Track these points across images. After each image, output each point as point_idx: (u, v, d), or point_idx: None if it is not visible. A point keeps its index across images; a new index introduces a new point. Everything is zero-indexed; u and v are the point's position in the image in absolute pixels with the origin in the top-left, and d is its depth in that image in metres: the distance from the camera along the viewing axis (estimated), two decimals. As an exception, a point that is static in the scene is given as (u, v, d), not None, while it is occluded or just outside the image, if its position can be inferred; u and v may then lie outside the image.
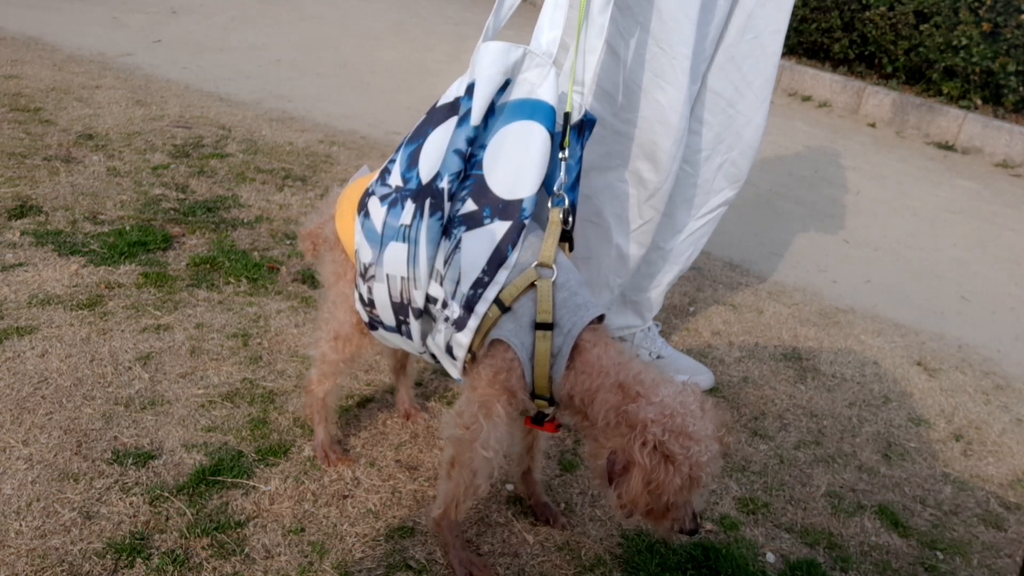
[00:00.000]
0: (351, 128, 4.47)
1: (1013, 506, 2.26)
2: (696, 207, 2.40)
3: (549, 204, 1.61)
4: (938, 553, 2.02)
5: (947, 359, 3.08)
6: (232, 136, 3.97)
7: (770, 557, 1.90)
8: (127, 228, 2.86)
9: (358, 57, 6.01)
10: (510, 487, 1.95)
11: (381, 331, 1.74)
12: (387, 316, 1.68)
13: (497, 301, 1.52)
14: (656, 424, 1.35)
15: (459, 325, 1.55)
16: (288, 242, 2.99)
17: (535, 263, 1.53)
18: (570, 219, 1.61)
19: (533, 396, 1.55)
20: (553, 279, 1.51)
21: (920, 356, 3.07)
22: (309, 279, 2.75)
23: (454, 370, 1.64)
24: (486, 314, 1.52)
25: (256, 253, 2.86)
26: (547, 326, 1.49)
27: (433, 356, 1.70)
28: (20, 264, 2.54)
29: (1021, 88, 6.13)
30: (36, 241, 2.68)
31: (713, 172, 2.35)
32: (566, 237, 1.61)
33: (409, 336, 1.67)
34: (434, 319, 1.62)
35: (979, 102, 6.37)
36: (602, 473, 1.42)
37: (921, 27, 6.44)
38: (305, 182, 3.58)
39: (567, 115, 1.63)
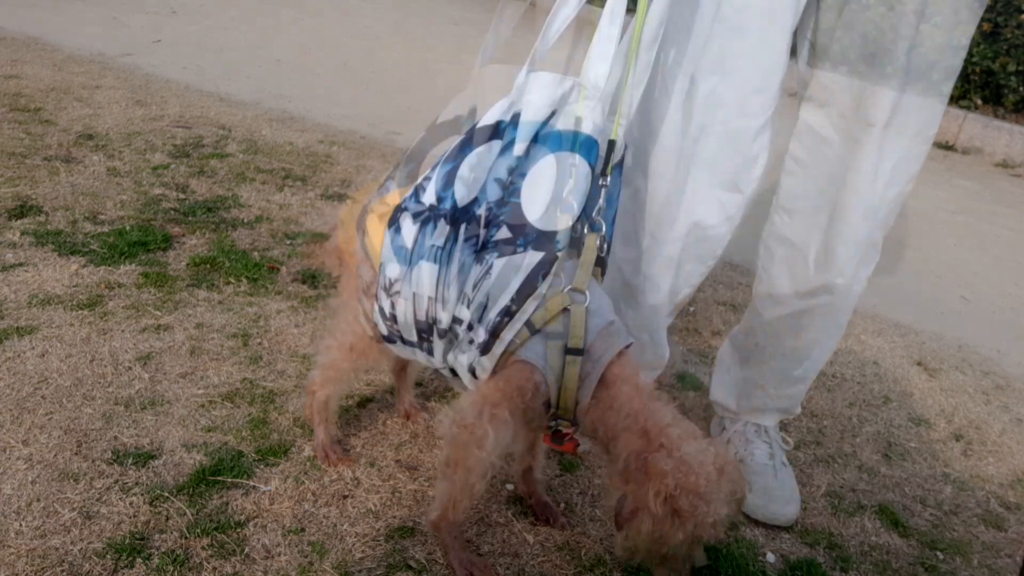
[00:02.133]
0: (351, 128, 4.47)
1: (1013, 506, 2.26)
2: None
3: (585, 229, 1.60)
4: (938, 553, 2.02)
5: (947, 359, 3.08)
6: (232, 136, 3.97)
7: (770, 557, 1.90)
8: (127, 228, 2.86)
9: (358, 57, 6.01)
10: (510, 487, 1.95)
11: (399, 344, 1.73)
12: (409, 333, 1.68)
13: (527, 323, 1.53)
14: (671, 477, 1.38)
15: (484, 349, 1.56)
16: (288, 242, 3.00)
17: (567, 287, 1.53)
18: (605, 246, 1.61)
19: (556, 417, 1.57)
20: (586, 305, 1.51)
21: (920, 356, 3.07)
22: (309, 279, 2.75)
23: (473, 388, 1.65)
24: (513, 340, 1.53)
25: (256, 253, 2.86)
26: (578, 351, 1.50)
27: (452, 371, 1.70)
28: (20, 264, 2.54)
29: (1021, 88, 6.14)
30: (36, 241, 2.68)
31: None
32: (599, 263, 1.61)
33: (431, 353, 1.68)
34: (457, 337, 1.62)
35: (979, 102, 6.38)
36: (612, 512, 1.45)
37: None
38: (305, 182, 3.58)
39: (611, 143, 1.62)
